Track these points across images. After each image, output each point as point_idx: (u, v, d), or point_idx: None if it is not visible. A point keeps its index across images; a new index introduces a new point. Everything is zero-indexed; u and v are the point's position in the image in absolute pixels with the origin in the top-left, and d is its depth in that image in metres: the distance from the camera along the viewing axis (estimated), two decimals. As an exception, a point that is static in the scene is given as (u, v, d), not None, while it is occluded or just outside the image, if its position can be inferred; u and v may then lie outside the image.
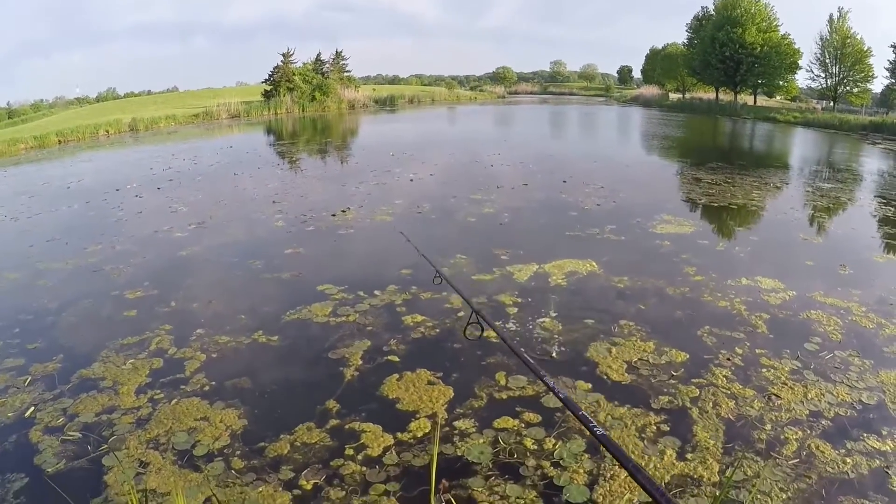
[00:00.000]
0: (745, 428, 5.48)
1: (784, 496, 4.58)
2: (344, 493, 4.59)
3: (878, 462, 5.00)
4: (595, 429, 2.41)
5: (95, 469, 4.89)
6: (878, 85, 55.76)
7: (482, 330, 3.80)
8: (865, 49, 52.38)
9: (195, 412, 5.71)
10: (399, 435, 5.31)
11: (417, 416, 5.62)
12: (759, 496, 4.58)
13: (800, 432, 5.40)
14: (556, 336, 7.26)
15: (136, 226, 12.96)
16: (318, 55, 61.22)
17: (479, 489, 4.63)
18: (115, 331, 7.53)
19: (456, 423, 5.49)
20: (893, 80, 50.66)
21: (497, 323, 7.59)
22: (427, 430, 5.38)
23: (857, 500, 4.57)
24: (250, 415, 5.67)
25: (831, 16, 54.06)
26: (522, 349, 3.29)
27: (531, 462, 4.96)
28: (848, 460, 5.02)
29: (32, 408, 5.85)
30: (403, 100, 68.38)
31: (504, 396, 5.97)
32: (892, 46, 49.18)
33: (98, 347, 7.07)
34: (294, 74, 54.22)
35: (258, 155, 25.60)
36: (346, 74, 64.00)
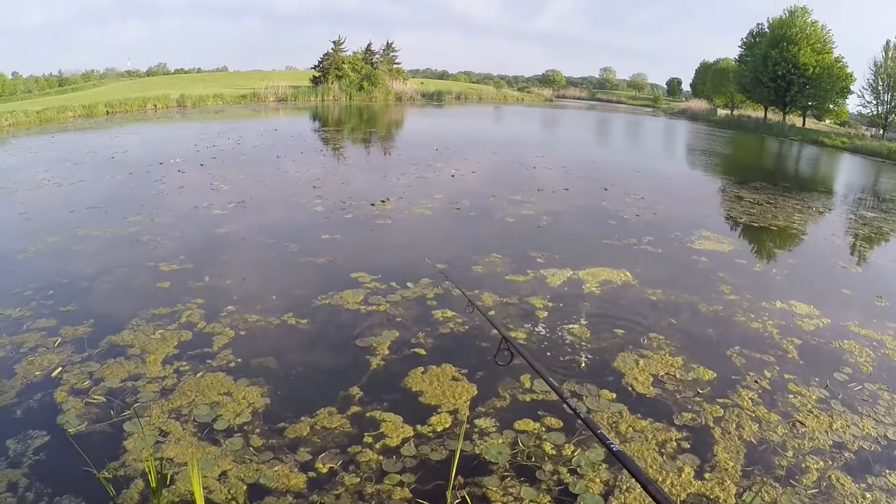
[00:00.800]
0: (767, 453, 5.39)
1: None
2: (359, 479, 4.59)
3: (898, 500, 4.90)
4: (612, 446, 2.40)
5: (116, 434, 4.94)
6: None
7: (511, 357, 3.79)
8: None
9: (219, 387, 5.75)
10: (419, 427, 5.30)
11: (439, 410, 5.60)
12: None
13: (821, 462, 5.30)
14: (584, 343, 7.21)
15: (176, 200, 13.09)
16: (369, 45, 61.62)
17: (494, 489, 4.61)
18: (147, 301, 7.61)
19: (477, 422, 5.46)
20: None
21: (527, 325, 7.57)
22: (448, 426, 5.36)
23: (874, 536, 4.49)
24: (273, 394, 5.69)
25: (888, 42, 53.11)
26: (548, 374, 3.26)
27: (548, 467, 4.91)
28: (868, 495, 4.91)
29: (60, 368, 5.93)
30: (451, 96, 68.45)
31: (527, 399, 5.93)
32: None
33: (129, 315, 7.14)
34: (343, 62, 54.50)
35: (302, 140, 25.79)
36: (395, 66, 64.18)
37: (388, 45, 63.96)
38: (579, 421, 5.50)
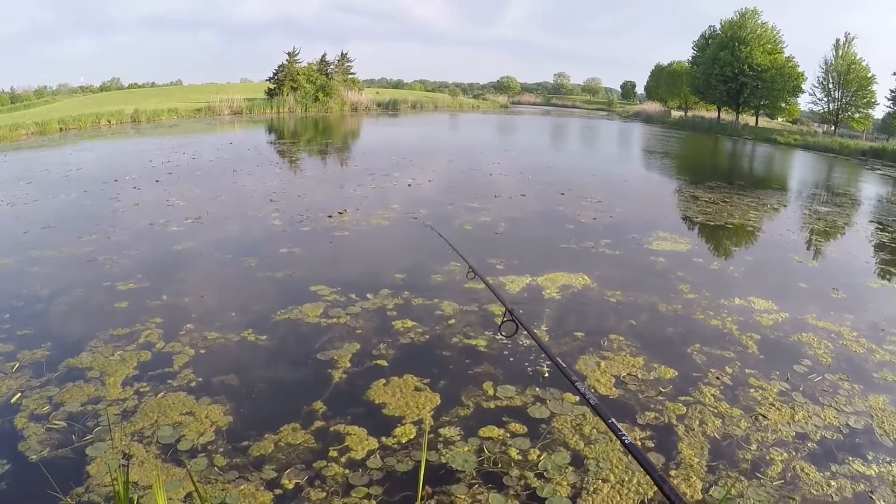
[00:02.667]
0: (731, 447, 5.50)
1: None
2: (325, 494, 4.59)
3: (862, 486, 5.04)
4: (624, 437, 2.42)
5: (79, 459, 4.88)
6: (879, 111, 56.30)
7: (516, 328, 3.79)
8: (870, 76, 52.76)
9: (181, 407, 5.71)
10: (384, 439, 5.31)
11: (403, 421, 5.62)
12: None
13: (785, 454, 5.44)
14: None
15: (132, 217, 12.94)
16: (324, 56, 61.54)
17: (463, 496, 4.64)
18: (105, 321, 7.52)
19: (441, 431, 5.49)
20: (894, 107, 50.90)
21: (487, 333, 7.64)
22: (412, 436, 5.38)
23: (839, 524, 4.60)
24: (236, 412, 5.66)
25: (837, 41, 54.62)
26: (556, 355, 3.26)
27: (515, 472, 4.96)
28: (833, 483, 5.05)
29: (19, 394, 5.84)
30: (406, 104, 68.45)
31: (491, 406, 5.97)
32: (894, 74, 49.51)
33: (87, 337, 7.06)
34: (298, 74, 54.25)
35: (258, 153, 25.64)
36: (350, 76, 64.13)
37: (343, 56, 63.93)
38: (543, 425, 5.60)
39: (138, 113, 38.71)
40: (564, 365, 3.03)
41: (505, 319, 3.84)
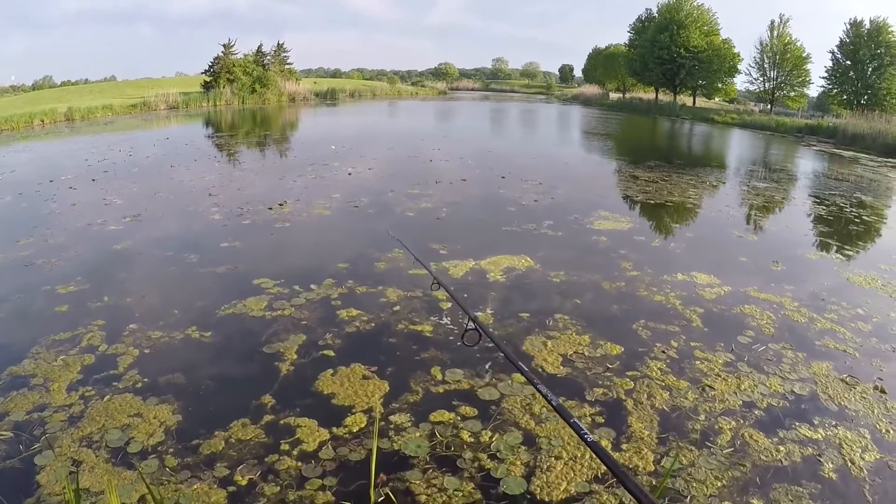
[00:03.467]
0: (680, 418, 5.66)
1: (719, 484, 4.76)
2: (279, 488, 4.61)
3: (810, 450, 5.25)
4: (586, 436, 2.49)
5: (27, 468, 4.81)
6: (814, 90, 57.70)
7: (479, 338, 3.86)
8: (804, 55, 53.93)
9: (128, 409, 5.65)
10: (335, 430, 5.34)
11: (353, 410, 5.66)
12: (694, 484, 4.74)
13: (733, 422, 5.63)
14: (491, 330, 7.35)
15: (69, 218, 12.68)
16: (260, 47, 60.57)
17: (417, 482, 4.70)
18: (46, 327, 7.38)
19: (392, 418, 5.55)
20: (829, 86, 52.11)
21: (433, 318, 7.70)
22: (363, 425, 5.42)
23: (790, 486, 4.77)
24: (184, 411, 5.63)
25: (772, 22, 55.65)
26: (518, 359, 3.34)
27: (468, 454, 5.04)
28: (781, 448, 5.24)
29: (-40, 406, 5.74)
30: (344, 94, 68.05)
31: (440, 390, 6.05)
32: (830, 52, 50.62)
33: (29, 344, 6.91)
34: (234, 66, 53.45)
35: (196, 147, 25.23)
36: (287, 67, 63.33)
37: (280, 46, 63.06)
38: (493, 407, 5.69)
39: (72, 111, 37.76)
40: (527, 369, 3.13)
41: (468, 328, 3.91)
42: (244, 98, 52.00)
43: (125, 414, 5.58)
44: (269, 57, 61.15)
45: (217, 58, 53.39)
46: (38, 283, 8.86)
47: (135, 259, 10.15)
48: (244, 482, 4.67)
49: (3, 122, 32.14)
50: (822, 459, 5.11)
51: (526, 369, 3.15)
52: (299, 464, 4.90)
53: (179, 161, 20.67)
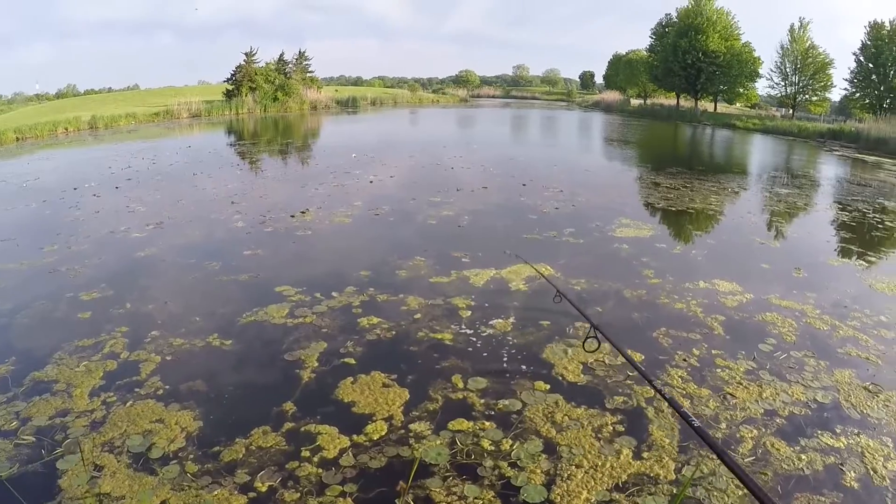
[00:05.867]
0: (701, 427, 5.59)
1: (740, 493, 4.69)
2: (299, 494, 4.61)
3: (832, 459, 5.18)
4: (693, 421, 2.51)
5: (50, 473, 4.84)
6: (836, 94, 57.18)
7: (599, 344, 3.88)
8: (827, 60, 53.48)
9: (150, 415, 5.68)
10: (355, 437, 5.34)
11: (374, 418, 5.65)
12: (715, 493, 4.69)
13: (755, 430, 5.56)
14: (511, 339, 7.35)
15: (93, 226, 12.79)
16: (282, 55, 61.08)
17: (438, 489, 4.68)
18: (69, 333, 7.44)
19: (412, 426, 5.53)
20: (851, 90, 51.55)
21: (453, 326, 7.68)
22: (384, 433, 5.41)
23: (812, 496, 4.71)
24: (206, 418, 5.65)
25: (792, 26, 55.13)
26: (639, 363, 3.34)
27: (488, 462, 5.02)
28: (803, 457, 5.18)
29: (-15, 411, 5.79)
30: (366, 101, 68.36)
31: (460, 397, 6.03)
32: (853, 54, 50.04)
33: (52, 350, 6.97)
34: (256, 74, 53.81)
35: (218, 155, 25.42)
36: (308, 75, 63.76)
37: (301, 54, 63.56)
38: (514, 415, 5.66)
39: (96, 119, 38.13)
40: (643, 368, 3.12)
41: (589, 335, 3.94)
42: (266, 106, 52.33)
43: (147, 420, 5.60)
44: (290, 65, 61.59)
45: (239, 66, 53.82)
46: (61, 290, 8.94)
47: (157, 266, 10.21)
48: (264, 488, 4.68)
49: (28, 131, 32.49)
50: (844, 468, 5.04)
51: (643, 369, 3.17)
52: (320, 471, 4.89)
53: (202, 169, 20.84)
